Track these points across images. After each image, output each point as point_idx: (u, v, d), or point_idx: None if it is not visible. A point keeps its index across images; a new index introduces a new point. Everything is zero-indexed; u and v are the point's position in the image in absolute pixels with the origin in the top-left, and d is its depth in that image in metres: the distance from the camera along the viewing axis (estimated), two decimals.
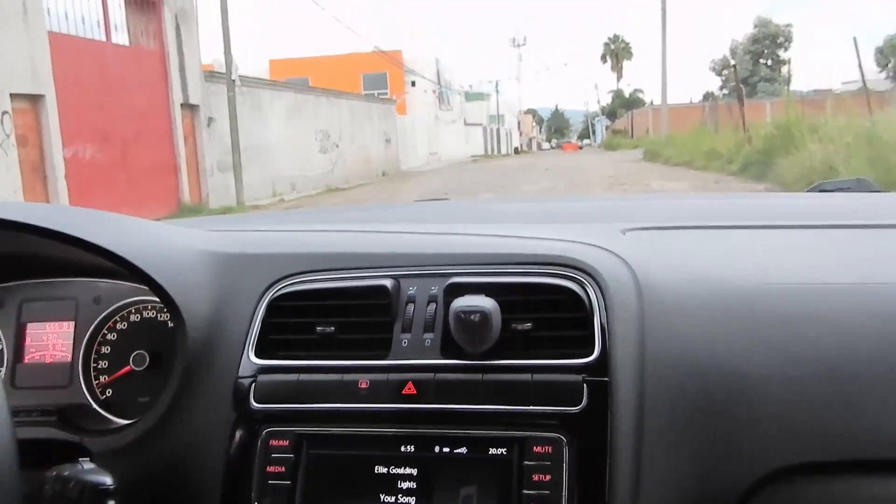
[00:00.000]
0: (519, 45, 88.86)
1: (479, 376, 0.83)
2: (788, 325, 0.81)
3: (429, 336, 0.88)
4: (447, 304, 0.85)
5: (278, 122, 20.21)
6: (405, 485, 0.82)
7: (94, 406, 1.04)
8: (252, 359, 0.91)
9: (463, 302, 0.83)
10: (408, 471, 0.82)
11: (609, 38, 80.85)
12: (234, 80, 16.22)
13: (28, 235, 0.91)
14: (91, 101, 12.96)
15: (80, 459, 0.80)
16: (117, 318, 1.07)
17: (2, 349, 1.08)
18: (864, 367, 0.77)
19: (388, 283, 0.91)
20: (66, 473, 0.78)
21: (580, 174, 20.93)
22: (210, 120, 16.82)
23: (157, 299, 0.95)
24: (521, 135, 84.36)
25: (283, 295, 0.94)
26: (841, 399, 0.76)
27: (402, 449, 0.83)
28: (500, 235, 1.02)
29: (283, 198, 19.01)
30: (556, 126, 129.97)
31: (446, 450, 0.82)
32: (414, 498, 0.81)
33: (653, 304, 0.84)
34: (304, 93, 23.06)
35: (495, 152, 60.23)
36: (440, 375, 0.84)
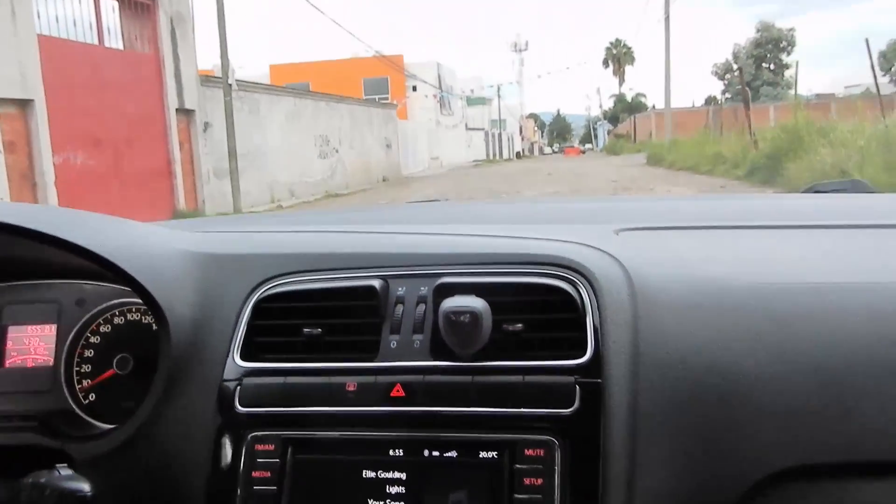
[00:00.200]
0: (521, 50, 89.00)
1: (469, 378, 0.81)
2: (782, 326, 0.80)
3: (418, 337, 0.86)
4: (437, 304, 0.83)
5: (277, 128, 19.99)
6: (394, 490, 0.80)
7: (77, 411, 1.02)
8: (237, 361, 0.89)
9: (453, 302, 0.81)
10: (396, 475, 0.80)
11: (611, 43, 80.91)
12: (230, 85, 15.96)
13: (7, 236, 0.88)
14: (83, 106, 12.67)
15: (58, 466, 0.80)
16: (101, 320, 1.05)
17: None
18: (858, 367, 0.76)
19: (376, 283, 0.89)
20: (43, 481, 0.77)
21: (583, 179, 20.69)
22: (206, 125, 16.54)
23: (141, 301, 0.93)
24: (522, 139, 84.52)
25: (269, 296, 0.92)
26: (835, 400, 0.75)
27: (391, 453, 0.81)
28: (490, 235, 1.00)
29: (282, 204, 18.73)
30: (557, 130, 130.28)
31: (436, 454, 0.80)
32: (403, 503, 0.79)
33: (646, 304, 0.82)
34: (303, 97, 22.84)
35: (497, 157, 60.22)
36: (429, 377, 0.83)
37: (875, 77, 15.62)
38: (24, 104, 11.54)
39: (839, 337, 0.79)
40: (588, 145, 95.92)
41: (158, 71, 15.01)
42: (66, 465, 0.81)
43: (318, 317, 0.90)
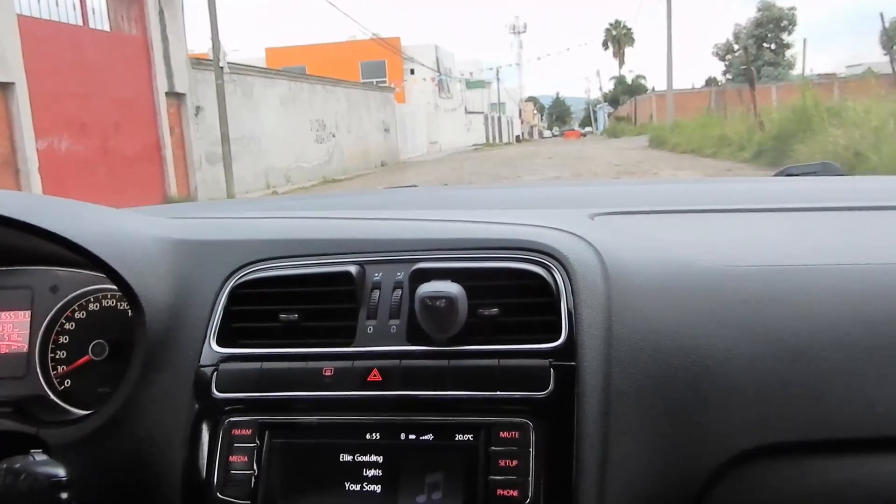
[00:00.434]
0: (519, 33, 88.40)
1: (445, 362, 0.82)
2: (754, 307, 0.81)
3: (394, 322, 0.86)
4: (413, 290, 0.84)
5: (271, 112, 19.60)
6: (370, 472, 0.80)
7: (52, 397, 1.02)
8: (214, 347, 0.89)
9: (429, 287, 0.82)
10: (373, 458, 0.81)
11: (610, 24, 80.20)
12: (222, 67, 15.52)
13: None
14: (67, 89, 12.30)
15: (32, 451, 0.80)
16: (75, 307, 1.05)
17: None
18: (828, 348, 0.78)
19: (352, 269, 0.89)
20: (17, 466, 0.77)
21: (584, 163, 20.29)
22: (198, 109, 16.17)
23: (116, 288, 0.93)
24: (522, 123, 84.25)
25: (245, 282, 0.92)
26: (806, 380, 0.77)
27: (368, 437, 0.82)
28: (466, 221, 1.00)
29: (277, 190, 18.35)
30: (557, 114, 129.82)
31: (412, 437, 0.81)
32: (379, 486, 0.80)
33: (620, 288, 0.83)
34: (299, 80, 22.44)
35: (497, 141, 59.90)
36: (406, 362, 0.83)
37: (892, 56, 15.16)
38: (4, 87, 11.17)
39: (808, 318, 0.80)
40: (588, 128, 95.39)
41: (146, 53, 14.64)
42: (40, 450, 0.81)
43: (295, 302, 0.90)
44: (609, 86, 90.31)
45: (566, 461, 0.77)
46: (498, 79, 67.64)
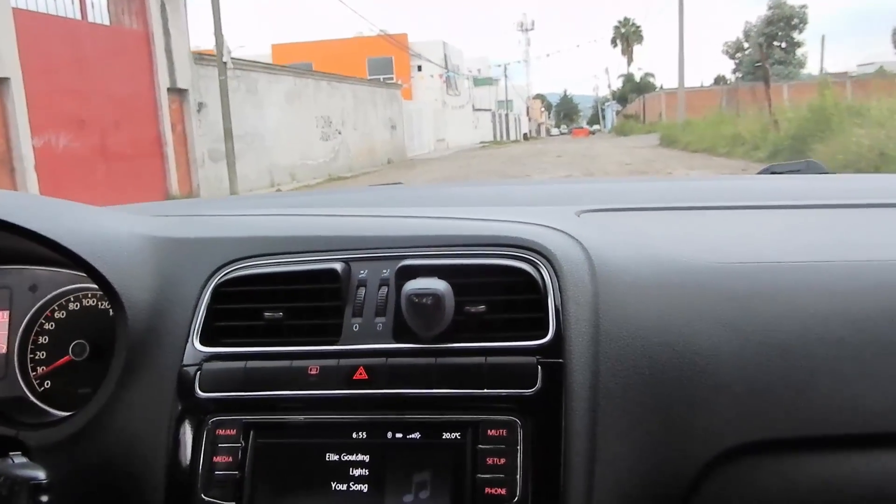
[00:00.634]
0: (527, 30, 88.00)
1: (432, 360, 0.82)
2: (741, 304, 0.81)
3: (380, 320, 0.86)
4: (399, 287, 0.83)
5: (276, 108, 19.29)
6: (357, 472, 0.80)
7: (32, 398, 1.01)
8: (197, 346, 0.88)
9: (415, 285, 0.81)
10: (360, 458, 0.80)
11: (619, 22, 79.79)
12: (225, 63, 15.21)
13: None
14: (65, 85, 11.99)
15: (11, 454, 0.79)
16: (55, 306, 1.04)
17: None
18: (815, 345, 0.78)
19: (338, 266, 0.89)
20: None
21: (594, 162, 19.95)
22: (200, 105, 15.86)
23: (97, 287, 0.92)
24: (529, 120, 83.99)
25: (228, 280, 0.91)
26: (793, 377, 0.77)
27: (354, 436, 0.81)
28: (453, 218, 1.00)
29: (281, 188, 18.02)
30: (565, 111, 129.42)
31: (399, 436, 0.80)
32: (366, 485, 0.80)
33: (607, 285, 0.83)
34: (304, 76, 22.11)
35: (504, 138, 59.60)
36: (392, 360, 0.83)
37: None
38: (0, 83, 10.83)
39: (795, 315, 0.80)
40: (596, 126, 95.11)
41: (148, 48, 14.33)
42: (20, 452, 0.81)
43: (280, 300, 0.89)
44: (617, 83, 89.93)
45: (554, 459, 0.76)
46: (506, 76, 67.29)
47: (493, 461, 0.77)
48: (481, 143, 48.19)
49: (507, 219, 0.95)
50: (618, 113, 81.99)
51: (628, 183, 1.72)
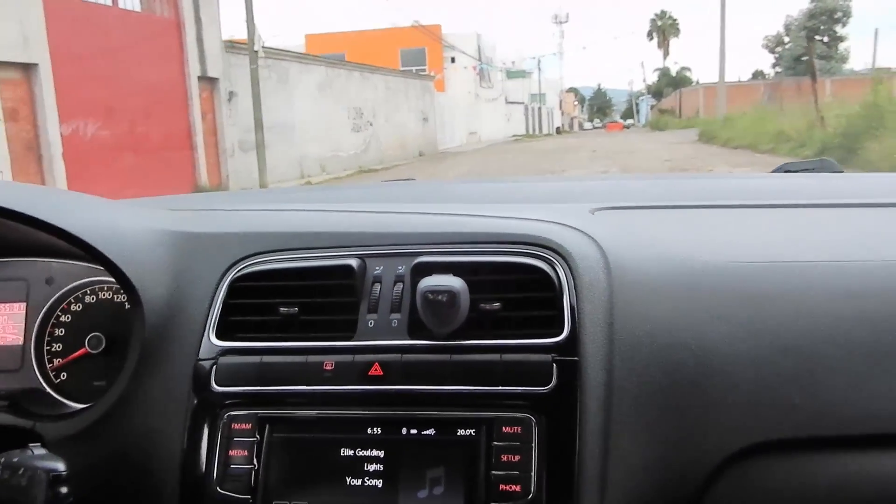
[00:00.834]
0: (561, 22, 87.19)
1: (446, 357, 0.82)
2: (755, 304, 0.81)
3: (395, 316, 0.86)
4: (414, 283, 0.84)
5: (307, 99, 19.06)
6: (372, 467, 0.80)
7: (48, 390, 1.02)
8: (213, 341, 0.89)
9: (430, 281, 0.82)
10: (374, 453, 0.81)
11: (656, 14, 78.62)
12: (256, 51, 14.98)
13: None
14: (94, 72, 11.81)
15: (31, 445, 0.80)
16: (71, 299, 1.04)
17: None
18: (828, 345, 0.78)
19: (353, 262, 0.89)
20: (16, 460, 0.77)
21: (631, 157, 19.42)
22: (231, 94, 15.68)
23: (113, 280, 0.93)
24: (562, 114, 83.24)
25: (244, 275, 0.92)
26: (805, 377, 0.77)
27: (369, 431, 0.82)
28: (468, 215, 1.00)
29: (311, 180, 17.79)
30: (598, 105, 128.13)
31: (413, 432, 0.81)
32: (381, 481, 0.80)
33: (621, 283, 0.83)
34: (336, 67, 21.87)
35: (536, 132, 59.08)
36: (407, 356, 0.83)
37: None
38: (28, 68, 10.73)
39: (808, 315, 0.80)
40: (629, 121, 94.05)
41: (179, 35, 14.16)
42: (39, 444, 0.80)
43: (295, 296, 0.89)
44: (652, 77, 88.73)
45: (568, 456, 0.76)
46: (539, 69, 66.64)
47: (508, 458, 0.77)
48: (513, 136, 47.80)
49: (521, 216, 0.96)
50: (652, 107, 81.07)
51: (642, 180, 1.68)
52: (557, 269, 0.84)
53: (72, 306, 1.03)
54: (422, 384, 0.81)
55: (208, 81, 15.02)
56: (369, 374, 0.82)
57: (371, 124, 23.51)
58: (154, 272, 0.91)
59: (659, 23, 78.02)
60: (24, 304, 1.04)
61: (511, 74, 55.19)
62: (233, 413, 0.84)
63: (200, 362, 0.87)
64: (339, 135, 20.91)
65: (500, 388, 0.79)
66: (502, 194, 1.41)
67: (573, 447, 0.76)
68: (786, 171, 1.50)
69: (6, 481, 0.75)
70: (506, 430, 0.78)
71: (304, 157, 18.59)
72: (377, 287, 0.88)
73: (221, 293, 0.90)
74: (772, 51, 53.09)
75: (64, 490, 0.76)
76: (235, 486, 0.81)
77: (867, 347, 0.77)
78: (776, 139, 18.30)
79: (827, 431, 0.76)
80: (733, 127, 24.29)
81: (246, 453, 0.82)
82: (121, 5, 12.79)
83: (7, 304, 1.04)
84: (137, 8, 13.25)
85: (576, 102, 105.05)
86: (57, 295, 1.03)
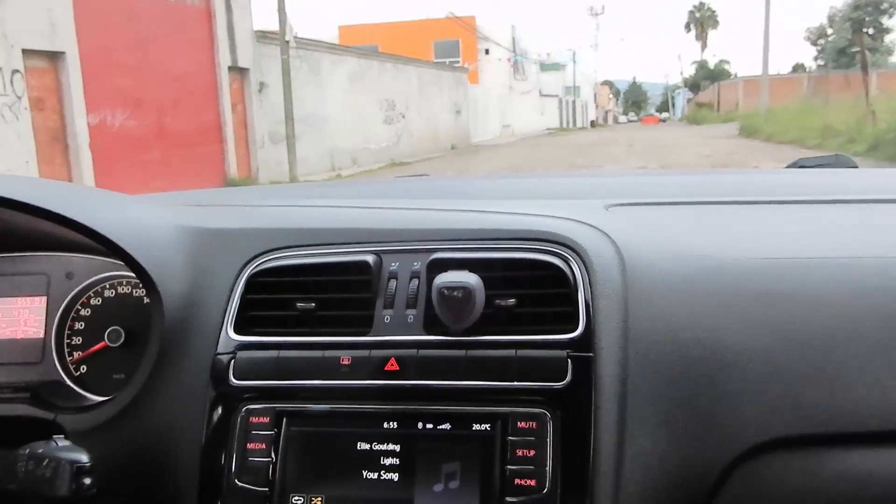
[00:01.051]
0: (597, 14, 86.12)
1: (462, 352, 0.83)
2: (769, 300, 0.81)
3: (411, 312, 0.87)
4: (430, 279, 0.85)
5: (338, 90, 18.80)
6: (388, 461, 0.81)
7: (68, 382, 1.03)
8: (231, 335, 0.90)
9: (446, 278, 0.82)
10: (390, 447, 0.81)
11: (694, 6, 77.18)
12: (288, 42, 14.71)
13: None
14: (122, 61, 11.63)
15: (55, 437, 0.81)
16: (91, 293, 1.06)
17: None
18: (843, 341, 0.78)
19: (369, 258, 0.90)
20: (40, 451, 0.78)
21: (669, 152, 18.85)
22: (262, 85, 15.45)
23: (132, 275, 0.95)
24: (597, 107, 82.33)
25: (262, 270, 0.92)
26: (821, 373, 0.77)
27: (385, 426, 0.82)
28: (483, 211, 1.01)
29: (342, 173, 17.53)
30: (633, 99, 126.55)
31: (429, 426, 0.82)
32: (397, 474, 0.81)
33: (636, 279, 0.84)
34: (368, 58, 21.56)
35: (571, 125, 58.37)
36: (423, 352, 0.84)
37: None
38: (55, 57, 10.55)
39: (823, 311, 0.80)
40: (665, 114, 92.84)
41: (209, 25, 13.95)
42: (62, 436, 0.82)
43: (312, 291, 0.90)
44: (690, 70, 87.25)
45: (583, 451, 0.77)
46: (574, 61, 65.76)
47: (523, 453, 0.78)
48: (547, 129, 47.22)
49: (536, 212, 0.96)
50: (689, 101, 79.81)
51: (656, 176, 1.70)
52: (572, 265, 0.85)
53: (91, 300, 1.05)
54: (437, 379, 0.82)
55: (238, 72, 14.82)
56: (385, 368, 0.83)
57: (403, 116, 23.21)
58: (173, 267, 0.92)
59: (697, 14, 76.68)
60: (44, 298, 1.05)
61: (545, 67, 54.54)
62: (251, 407, 0.85)
63: (219, 356, 0.88)
64: (370, 127, 20.64)
65: (516, 383, 0.80)
66: (517, 190, 1.41)
67: (588, 442, 0.77)
68: (800, 167, 1.50)
69: (31, 472, 0.76)
70: (521, 425, 0.78)
71: (335, 149, 18.33)
72: (393, 283, 0.88)
73: (239, 288, 0.91)
74: (814, 43, 51.70)
75: (87, 481, 0.77)
76: (253, 478, 0.82)
77: (882, 343, 0.77)
78: (822, 134, 17.63)
79: (842, 428, 0.76)
80: (776, 121, 23.60)
81: (264, 446, 0.83)
82: None
83: (28, 298, 1.06)
84: None
85: (610, 95, 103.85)
86: (77, 289, 1.05)
